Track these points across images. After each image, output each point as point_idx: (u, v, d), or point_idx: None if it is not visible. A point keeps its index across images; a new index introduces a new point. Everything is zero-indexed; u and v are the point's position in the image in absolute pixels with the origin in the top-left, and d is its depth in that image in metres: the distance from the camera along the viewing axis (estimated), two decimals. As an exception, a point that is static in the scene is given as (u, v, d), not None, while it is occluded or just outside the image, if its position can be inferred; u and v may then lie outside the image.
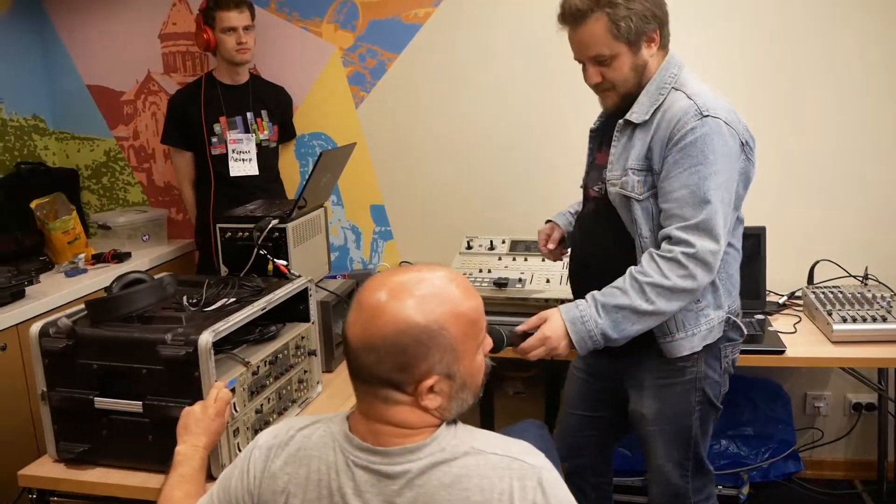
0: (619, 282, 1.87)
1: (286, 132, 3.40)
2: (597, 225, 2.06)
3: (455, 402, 1.24)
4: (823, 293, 2.77)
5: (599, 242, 2.06)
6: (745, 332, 2.12)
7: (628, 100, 1.96)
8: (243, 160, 3.20)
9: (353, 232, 3.50)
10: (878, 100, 2.96)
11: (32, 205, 3.12)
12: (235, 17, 3.06)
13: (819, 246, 2.99)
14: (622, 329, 1.85)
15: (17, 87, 3.55)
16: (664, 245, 1.85)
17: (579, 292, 1.98)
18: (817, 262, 2.92)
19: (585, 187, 2.16)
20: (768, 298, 2.92)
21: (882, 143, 2.98)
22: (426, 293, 1.19)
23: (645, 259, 1.87)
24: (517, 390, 3.11)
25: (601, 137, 2.14)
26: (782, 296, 2.94)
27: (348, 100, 3.37)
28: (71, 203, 3.31)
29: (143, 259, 3.29)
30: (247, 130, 3.22)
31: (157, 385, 1.73)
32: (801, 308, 2.87)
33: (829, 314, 2.59)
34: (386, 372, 1.18)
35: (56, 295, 2.78)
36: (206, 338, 1.68)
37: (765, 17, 2.98)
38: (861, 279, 2.86)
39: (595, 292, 1.88)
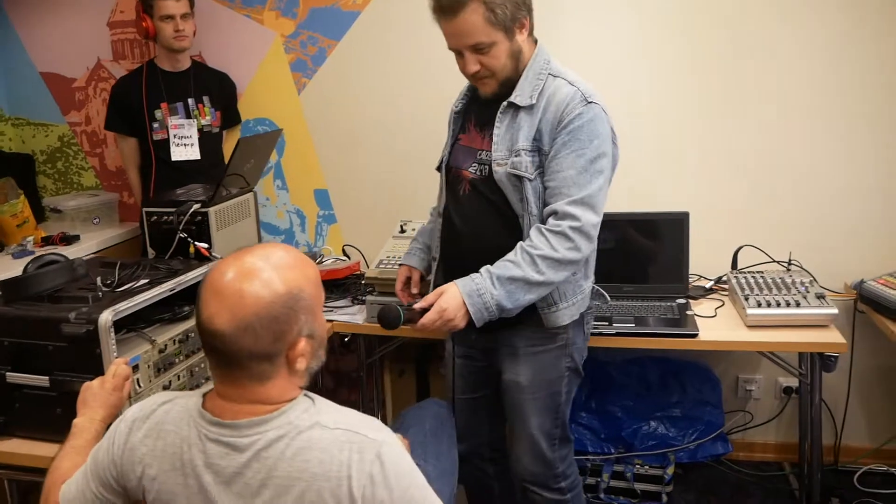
0: (510, 255, 1.97)
1: (230, 117, 3.45)
2: (478, 205, 2.13)
3: (315, 360, 1.35)
4: (745, 278, 2.82)
5: (483, 222, 2.13)
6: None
7: (506, 86, 2.05)
8: (185, 145, 3.26)
9: (298, 216, 3.57)
10: (802, 85, 3.00)
11: (-20, 189, 3.20)
12: (173, 6, 3.11)
13: (746, 231, 3.05)
14: (516, 299, 1.96)
15: (-31, 74, 3.61)
16: (551, 220, 1.97)
17: (453, 269, 2.07)
18: (741, 248, 2.98)
19: (451, 168, 2.21)
20: (697, 283, 2.99)
21: (806, 127, 3.03)
22: (277, 265, 1.28)
23: (534, 233, 1.97)
24: (452, 371, 3.18)
25: (463, 119, 2.23)
26: (710, 280, 3.01)
27: (290, 86, 3.43)
28: (25, 187, 3.38)
29: (91, 241, 3.35)
30: (188, 116, 3.28)
31: (63, 361, 1.81)
32: (726, 293, 2.93)
33: (746, 299, 2.66)
34: (264, 346, 1.26)
35: (-1, 276, 2.85)
36: (106, 317, 1.76)
37: (686, 2, 3.04)
38: (785, 265, 2.93)
39: (489, 266, 1.98)
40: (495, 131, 2.06)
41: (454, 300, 1.94)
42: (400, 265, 2.45)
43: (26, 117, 3.82)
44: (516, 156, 2.01)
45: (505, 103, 2.05)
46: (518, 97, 2.03)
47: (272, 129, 3.41)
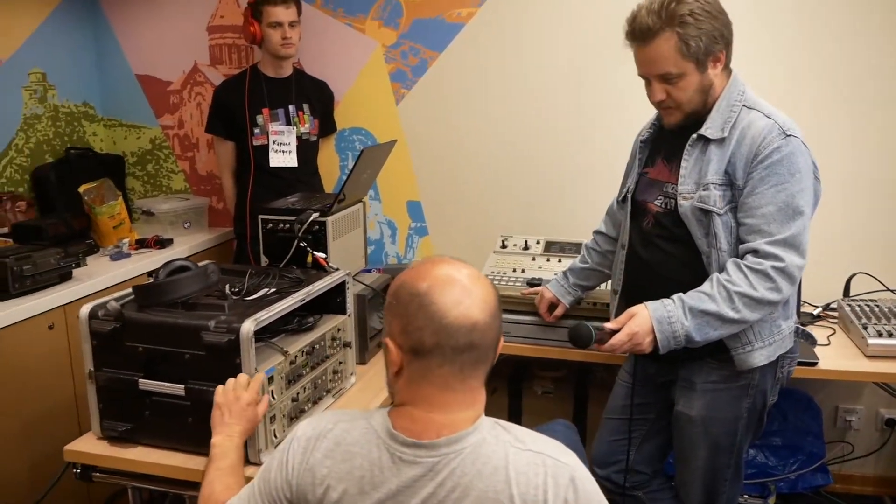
0: (706, 287, 1.92)
1: (327, 126, 3.45)
2: (662, 238, 2.09)
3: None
4: (859, 306, 2.75)
5: (666, 255, 2.08)
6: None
7: (692, 118, 1.99)
8: (283, 152, 3.26)
9: (390, 227, 3.55)
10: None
11: (81, 189, 3.21)
12: (282, 13, 3.12)
13: (857, 258, 2.98)
14: (706, 333, 1.91)
15: (69, 75, 3.63)
16: (750, 257, 1.90)
17: (637, 302, 2.00)
18: (854, 275, 2.90)
19: (637, 201, 2.17)
20: (802, 309, 2.91)
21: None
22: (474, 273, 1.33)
23: (732, 268, 1.91)
24: (546, 389, 3.13)
25: (650, 149, 2.18)
26: (817, 307, 2.93)
27: (389, 96, 3.42)
28: (117, 188, 3.39)
29: (183, 246, 3.37)
30: (288, 123, 3.28)
31: (199, 370, 1.78)
32: (835, 320, 2.85)
33: (865, 328, 2.58)
34: (497, 337, 1.31)
35: (101, 277, 2.86)
36: (248, 326, 1.73)
37: (802, 24, 2.98)
38: (899, 294, 2.84)
39: (682, 295, 1.93)
40: (683, 164, 2.00)
41: (645, 325, 1.91)
42: (544, 287, 2.57)
43: (119, 118, 3.85)
44: (704, 189, 1.95)
45: (694, 136, 1.99)
46: (709, 130, 1.96)
47: (381, 143, 3.39)
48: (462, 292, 1.25)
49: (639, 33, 1.93)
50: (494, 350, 1.31)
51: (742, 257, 1.92)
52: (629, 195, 2.20)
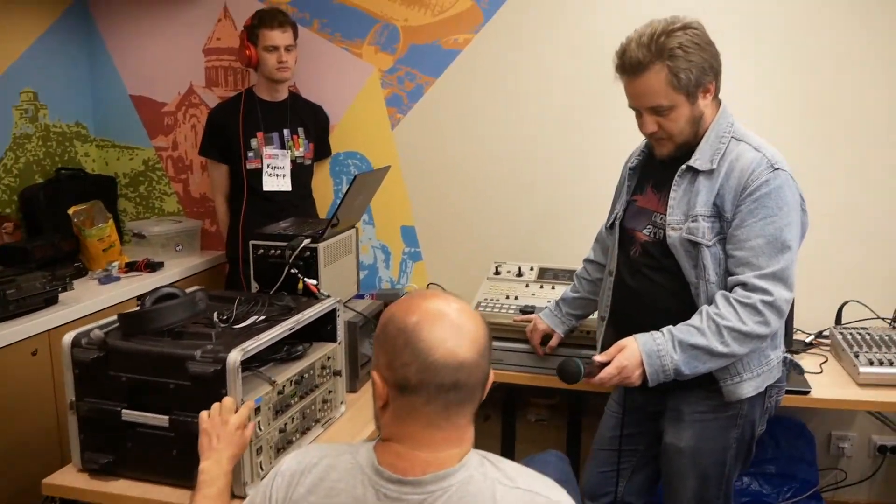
0: (695, 321, 1.92)
1: (322, 150, 3.44)
2: (650, 268, 2.08)
3: None
4: (851, 334, 2.74)
5: (654, 284, 2.07)
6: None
7: (684, 148, 2.00)
8: (277, 175, 3.25)
9: (383, 251, 3.53)
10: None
11: (70, 211, 3.18)
12: (278, 37, 3.12)
13: (848, 286, 2.97)
14: (694, 367, 1.91)
15: (61, 94, 3.62)
16: (739, 290, 1.90)
17: (624, 330, 2.01)
18: (846, 303, 2.89)
19: (625, 228, 2.17)
20: (795, 337, 2.90)
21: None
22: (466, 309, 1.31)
23: (721, 302, 1.90)
24: (539, 417, 3.11)
25: (639, 176, 2.17)
26: (809, 335, 2.91)
27: (385, 121, 3.42)
28: (108, 210, 3.37)
29: (175, 269, 3.33)
30: (283, 146, 3.28)
31: (185, 400, 1.75)
32: (828, 348, 2.84)
33: (856, 356, 2.57)
34: (485, 376, 1.28)
35: (88, 302, 2.82)
36: (235, 356, 1.71)
37: (790, 52, 2.99)
38: (890, 322, 2.83)
39: (672, 328, 1.93)
40: (671, 194, 2.01)
41: (634, 358, 1.91)
42: (537, 317, 2.55)
43: (112, 139, 3.84)
44: (693, 221, 1.95)
45: (683, 167, 1.99)
46: (698, 161, 1.97)
47: (375, 169, 3.38)
48: (450, 329, 1.23)
49: (629, 66, 1.93)
50: (482, 389, 1.28)
51: (730, 290, 1.92)
52: (617, 222, 2.19)
